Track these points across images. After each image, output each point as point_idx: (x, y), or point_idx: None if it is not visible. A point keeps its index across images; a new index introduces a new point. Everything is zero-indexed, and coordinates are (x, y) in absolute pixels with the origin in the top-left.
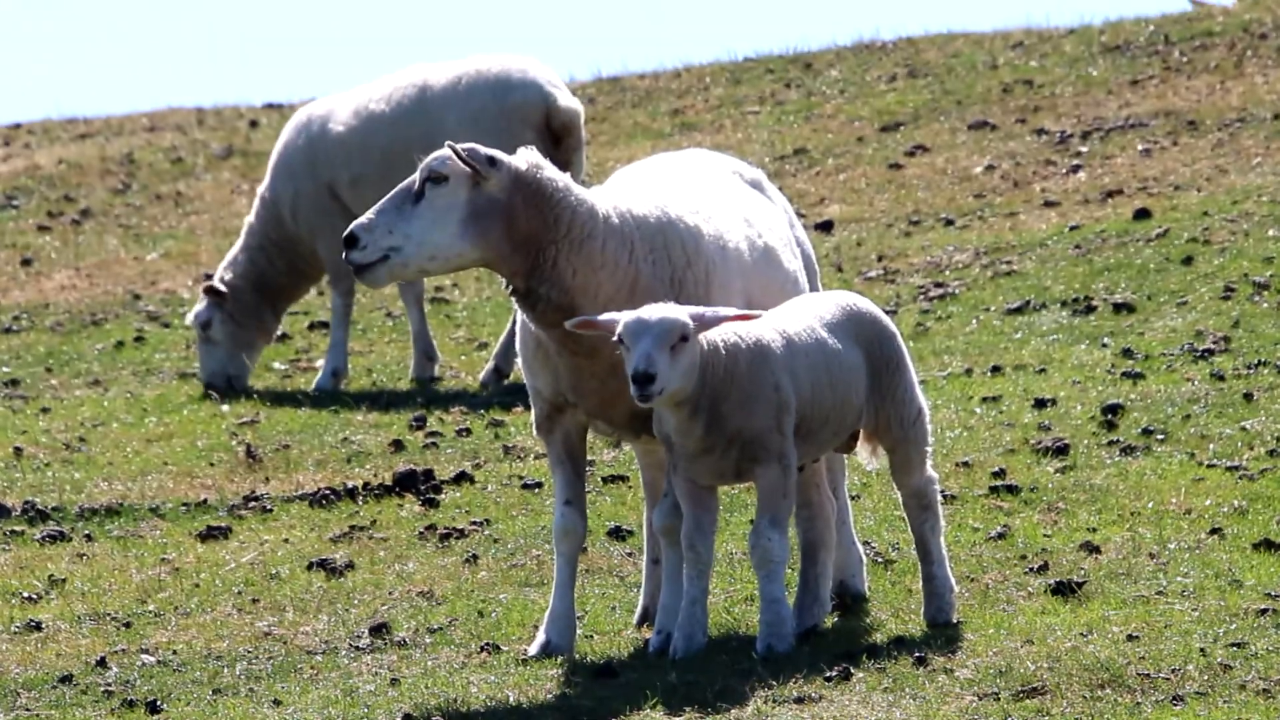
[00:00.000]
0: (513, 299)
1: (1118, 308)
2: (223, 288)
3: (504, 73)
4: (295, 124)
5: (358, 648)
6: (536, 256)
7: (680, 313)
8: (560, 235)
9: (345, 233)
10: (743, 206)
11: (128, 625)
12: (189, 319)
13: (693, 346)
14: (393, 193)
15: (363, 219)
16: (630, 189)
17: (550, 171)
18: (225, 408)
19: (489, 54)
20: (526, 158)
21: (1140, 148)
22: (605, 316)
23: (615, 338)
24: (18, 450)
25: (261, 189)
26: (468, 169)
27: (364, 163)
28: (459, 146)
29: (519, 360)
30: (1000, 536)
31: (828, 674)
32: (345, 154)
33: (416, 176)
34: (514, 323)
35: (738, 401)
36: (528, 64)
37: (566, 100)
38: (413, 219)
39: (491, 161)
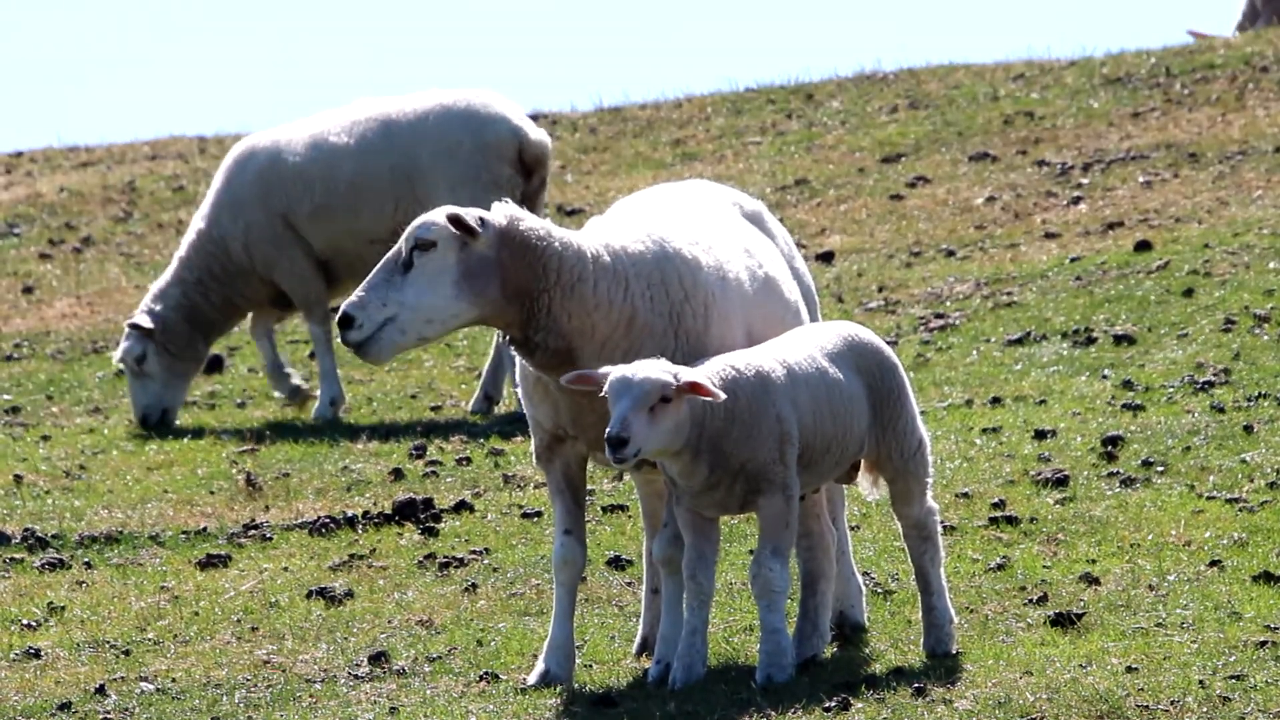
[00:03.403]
0: (510, 348)
1: (1118, 339)
2: (149, 323)
3: (472, 107)
4: (238, 157)
5: (357, 676)
6: (530, 306)
7: (664, 373)
8: (551, 283)
9: (338, 316)
10: (743, 237)
11: (127, 653)
12: (116, 357)
13: (676, 406)
14: (378, 267)
15: (353, 298)
16: (624, 224)
17: (531, 221)
18: (225, 436)
19: (446, 89)
20: (504, 211)
21: (1141, 180)
22: (598, 371)
23: (603, 393)
24: (18, 478)
25: (198, 223)
26: (456, 232)
27: (327, 194)
28: (442, 211)
29: (517, 390)
30: (1000, 568)
31: (827, 704)
32: (304, 185)
33: (401, 247)
34: (497, 350)
35: (740, 436)
36: (491, 98)
37: (536, 134)
38: (405, 287)
39: (483, 223)
